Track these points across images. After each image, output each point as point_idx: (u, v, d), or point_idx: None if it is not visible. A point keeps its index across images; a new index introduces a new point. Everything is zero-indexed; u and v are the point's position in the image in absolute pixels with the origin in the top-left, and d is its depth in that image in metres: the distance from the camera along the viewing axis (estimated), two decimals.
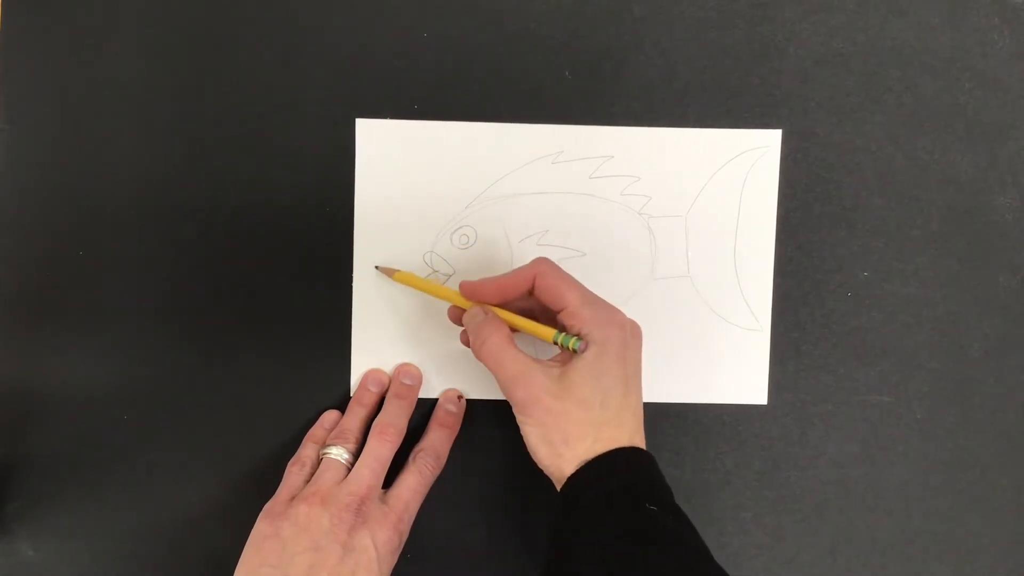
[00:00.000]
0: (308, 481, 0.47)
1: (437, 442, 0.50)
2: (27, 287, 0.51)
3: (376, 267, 0.51)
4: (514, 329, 0.47)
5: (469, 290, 0.47)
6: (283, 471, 0.49)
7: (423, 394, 0.52)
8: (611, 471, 0.43)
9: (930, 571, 0.54)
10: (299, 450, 0.50)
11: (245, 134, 0.51)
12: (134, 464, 0.52)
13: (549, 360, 0.46)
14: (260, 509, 0.47)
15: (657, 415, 0.52)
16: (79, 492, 0.51)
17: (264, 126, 0.51)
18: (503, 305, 0.47)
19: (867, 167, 0.53)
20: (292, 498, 0.46)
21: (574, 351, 0.44)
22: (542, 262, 0.46)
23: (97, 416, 0.51)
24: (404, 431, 0.49)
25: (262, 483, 0.50)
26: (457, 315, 0.49)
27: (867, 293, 0.53)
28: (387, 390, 0.51)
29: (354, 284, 0.52)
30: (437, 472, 0.49)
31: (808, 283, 0.53)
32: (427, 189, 0.51)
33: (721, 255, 0.52)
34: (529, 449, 0.45)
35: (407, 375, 0.51)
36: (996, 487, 0.54)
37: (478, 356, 0.46)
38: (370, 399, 0.51)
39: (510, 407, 0.51)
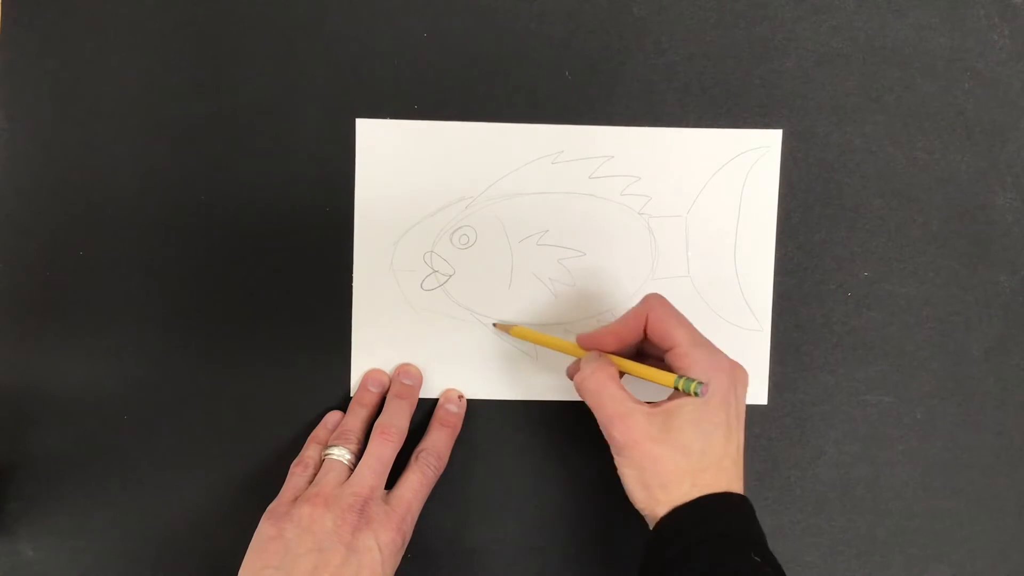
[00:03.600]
0: (311, 482, 0.47)
1: (439, 442, 0.50)
2: (27, 287, 0.51)
3: (494, 324, 0.51)
4: (622, 374, 0.46)
5: (587, 341, 0.46)
6: (283, 471, 0.49)
7: (423, 394, 0.52)
8: (706, 517, 0.42)
9: (930, 571, 0.54)
10: (302, 451, 0.50)
11: (245, 134, 0.51)
12: (134, 464, 0.52)
13: (652, 403, 0.44)
14: (260, 509, 0.47)
15: None
16: (79, 492, 0.51)
17: (264, 126, 0.51)
18: (620, 352, 0.46)
19: (867, 167, 0.53)
20: (295, 499, 0.46)
21: (695, 395, 0.42)
22: (653, 298, 0.45)
23: (97, 416, 0.51)
24: (406, 431, 0.49)
25: (262, 483, 0.50)
26: (576, 370, 0.47)
27: (867, 293, 0.53)
28: (387, 390, 0.51)
29: (354, 284, 0.52)
30: (439, 472, 0.49)
31: (808, 283, 0.53)
32: (427, 189, 0.51)
33: (721, 255, 0.52)
34: (625, 489, 0.44)
35: (407, 375, 0.51)
36: (996, 487, 0.54)
37: (580, 393, 0.45)
38: (371, 399, 0.51)
39: (511, 407, 0.51)
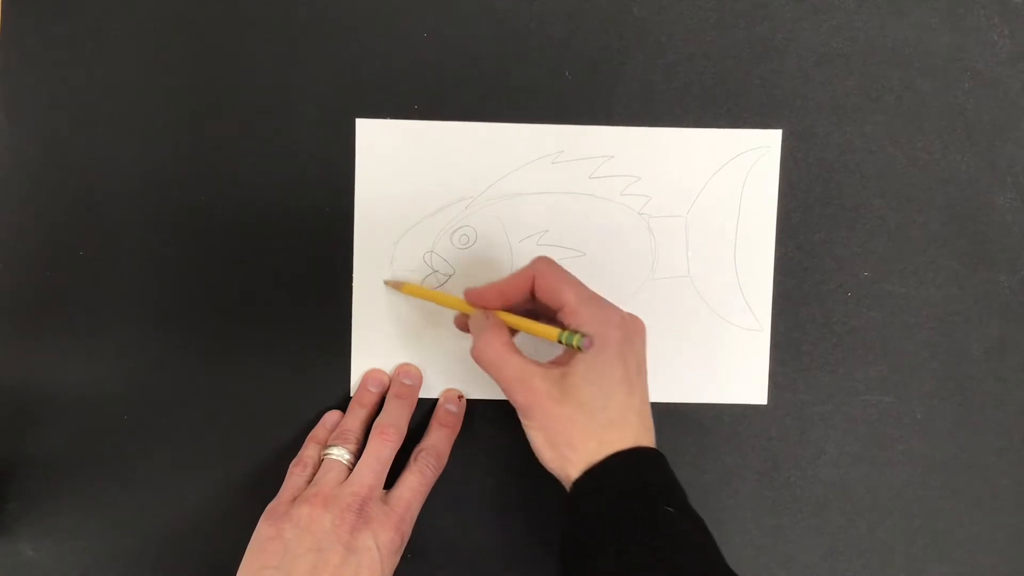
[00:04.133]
0: (310, 482, 0.47)
1: (438, 442, 0.50)
2: (27, 287, 0.51)
3: (385, 282, 0.51)
4: (516, 332, 0.46)
5: (473, 296, 0.47)
6: (283, 472, 0.49)
7: (423, 394, 0.52)
8: (615, 475, 0.42)
9: (930, 571, 0.54)
10: (301, 451, 0.50)
11: (245, 134, 0.51)
12: (134, 464, 0.52)
13: (549, 362, 0.45)
14: (260, 509, 0.47)
15: (657, 415, 0.52)
16: (79, 492, 0.51)
17: (264, 126, 0.51)
18: (508, 309, 0.47)
19: (867, 167, 0.53)
20: (294, 499, 0.46)
21: (579, 349, 0.42)
22: (540, 261, 0.46)
23: (97, 416, 0.51)
24: (405, 431, 0.49)
25: (262, 484, 0.50)
26: (464, 323, 0.49)
27: (867, 293, 0.53)
28: (387, 390, 0.51)
29: (354, 285, 0.52)
30: (438, 472, 0.49)
31: (808, 283, 0.53)
32: (427, 189, 0.51)
33: (721, 255, 0.52)
34: (535, 453, 0.45)
35: (407, 375, 0.51)
36: (996, 487, 0.54)
37: (477, 361, 0.45)
38: (370, 399, 0.51)
39: (510, 407, 0.51)
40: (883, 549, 0.53)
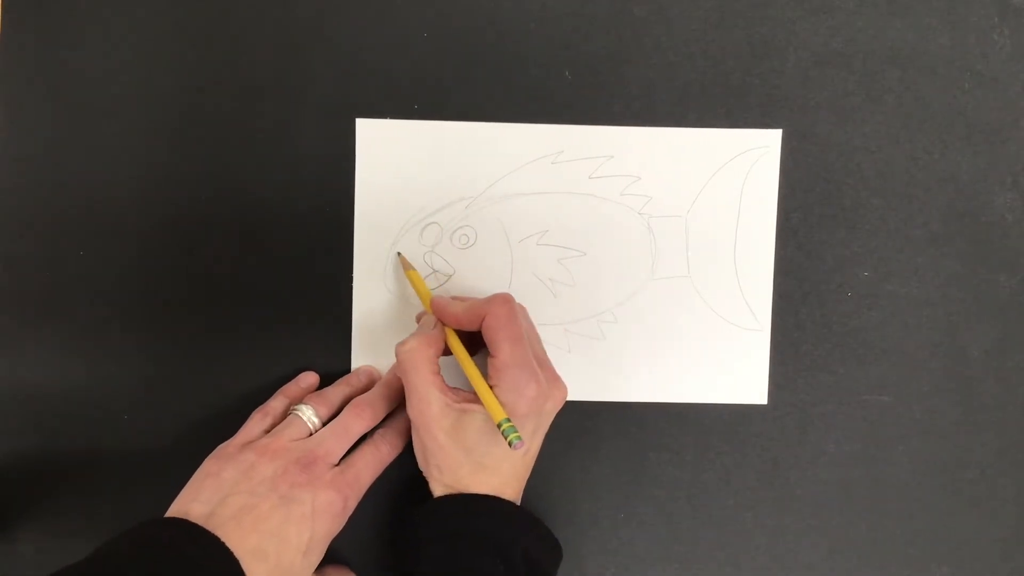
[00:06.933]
0: (268, 432, 0.47)
1: (393, 427, 0.49)
2: (27, 287, 0.51)
3: (399, 253, 0.51)
4: (447, 358, 0.47)
5: (436, 305, 0.48)
6: None
7: None
8: (454, 514, 0.45)
9: (930, 571, 0.54)
10: (269, 400, 0.49)
11: (245, 134, 0.51)
12: (134, 464, 0.52)
13: (454, 393, 0.46)
14: None
15: (657, 415, 0.52)
16: (79, 492, 0.51)
17: (264, 126, 0.51)
18: (465, 330, 0.47)
19: (867, 167, 0.53)
20: (246, 444, 0.46)
21: (510, 444, 0.42)
22: (498, 303, 0.45)
23: (97, 416, 0.51)
24: (380, 417, 0.48)
25: None
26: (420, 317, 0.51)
27: (867, 293, 0.53)
28: None
29: (354, 284, 0.52)
30: (393, 452, 0.48)
31: (808, 283, 0.53)
32: (427, 189, 0.51)
33: (721, 255, 0.52)
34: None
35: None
36: (996, 487, 0.54)
37: (397, 356, 0.46)
38: (358, 382, 0.50)
39: None
40: (883, 549, 0.53)
